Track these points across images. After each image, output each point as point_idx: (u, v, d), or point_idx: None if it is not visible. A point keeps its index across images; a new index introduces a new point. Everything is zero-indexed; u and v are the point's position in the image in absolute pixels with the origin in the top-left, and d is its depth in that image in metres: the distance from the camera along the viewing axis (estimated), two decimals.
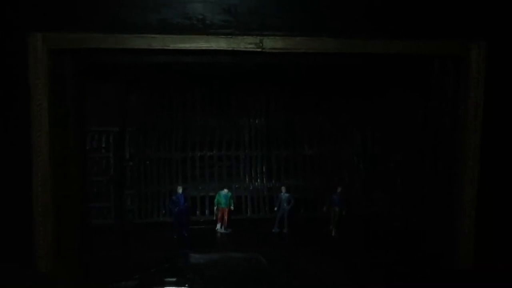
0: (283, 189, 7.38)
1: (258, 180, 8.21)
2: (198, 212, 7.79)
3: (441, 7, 5.47)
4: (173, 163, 7.87)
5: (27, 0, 5.12)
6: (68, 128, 5.79)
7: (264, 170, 8.21)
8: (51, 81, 5.31)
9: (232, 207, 7.29)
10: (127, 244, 6.62)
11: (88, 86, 6.40)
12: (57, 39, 5.21)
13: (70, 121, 5.83)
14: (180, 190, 7.06)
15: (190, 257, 6.05)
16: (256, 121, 8.15)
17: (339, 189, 7.28)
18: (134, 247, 6.54)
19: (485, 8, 5.54)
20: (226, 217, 7.24)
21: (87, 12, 5.20)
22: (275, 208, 7.35)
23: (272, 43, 5.35)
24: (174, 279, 5.36)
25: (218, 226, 7.25)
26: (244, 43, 5.34)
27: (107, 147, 7.17)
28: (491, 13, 5.56)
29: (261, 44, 5.33)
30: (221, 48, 5.35)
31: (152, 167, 7.76)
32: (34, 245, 5.32)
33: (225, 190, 7.29)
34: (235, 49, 5.36)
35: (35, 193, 5.30)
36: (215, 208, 7.29)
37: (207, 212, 7.76)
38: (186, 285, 5.26)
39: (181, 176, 7.86)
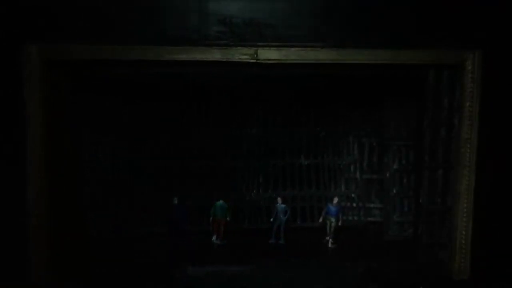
0: (279, 200, 7.36)
1: (255, 191, 8.16)
2: (194, 223, 7.72)
3: (436, 17, 5.48)
4: (170, 173, 7.83)
5: (22, 13, 5.14)
6: (64, 138, 5.79)
7: (260, 180, 8.17)
8: (46, 92, 5.34)
9: (228, 218, 7.25)
10: (123, 255, 6.57)
11: (84, 96, 6.40)
12: (52, 50, 5.24)
13: (66, 131, 5.84)
14: (176, 200, 7.03)
15: (187, 269, 6.01)
16: (253, 131, 8.10)
17: (335, 200, 7.24)
18: (130, 258, 6.48)
19: (480, 18, 5.55)
20: (222, 229, 7.20)
21: (82, 24, 5.22)
22: (271, 219, 7.30)
23: (266, 54, 5.38)
24: None
25: (214, 237, 7.21)
26: (239, 54, 5.37)
27: (106, 157, 7.18)
28: (486, 24, 5.57)
29: (255, 55, 5.36)
30: (216, 59, 5.38)
31: (149, 177, 7.73)
32: (30, 256, 5.32)
33: (221, 201, 7.25)
34: (230, 60, 5.39)
35: (30, 204, 5.29)
36: (210, 219, 7.25)
37: (203, 223, 7.70)
38: None
39: (178, 187, 7.80)
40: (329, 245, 7.10)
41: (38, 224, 5.34)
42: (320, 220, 7.29)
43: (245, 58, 5.35)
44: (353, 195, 8.13)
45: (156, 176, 7.78)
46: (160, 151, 7.80)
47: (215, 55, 5.35)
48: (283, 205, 7.30)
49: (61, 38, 5.20)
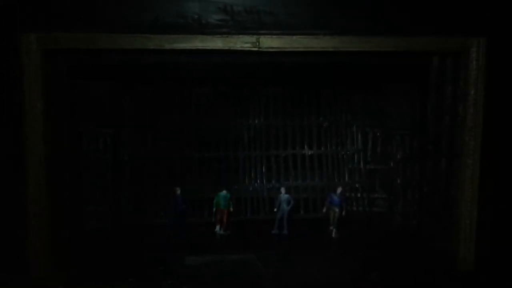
0: (283, 189, 7.27)
1: (258, 181, 8.10)
2: (196, 214, 7.68)
3: (439, 3, 5.39)
4: (171, 164, 7.75)
5: (19, 1, 5.07)
6: (63, 129, 5.78)
7: (263, 170, 8.11)
8: (45, 83, 5.27)
9: (231, 209, 7.20)
10: (123, 247, 6.52)
11: (83, 86, 6.38)
12: (51, 39, 5.17)
13: (65, 122, 5.82)
14: (178, 191, 6.98)
15: (185, 259, 5.98)
16: (256, 121, 8.03)
17: (339, 190, 7.13)
18: (130, 249, 6.43)
19: (485, 4, 5.46)
20: (225, 219, 7.15)
21: (81, 12, 5.16)
22: (275, 209, 7.24)
23: (268, 42, 5.30)
24: (169, 282, 5.29)
25: (217, 228, 7.16)
26: (241, 42, 5.29)
27: (104, 148, 7.08)
28: (491, 9, 5.48)
29: (257, 43, 5.28)
30: (217, 48, 5.31)
31: (149, 168, 7.66)
32: (27, 249, 5.29)
33: (224, 192, 7.20)
34: (231, 48, 5.31)
35: (29, 196, 5.25)
36: (214, 210, 7.21)
37: (205, 213, 7.66)
38: None
39: (180, 177, 7.72)
40: (333, 235, 7.00)
41: (38, 214, 5.31)
42: (324, 210, 7.18)
43: (247, 46, 5.28)
44: (357, 185, 8.08)
45: (157, 167, 7.69)
46: (161, 142, 7.70)
47: (216, 43, 5.27)
48: (286, 195, 7.20)
49: (59, 26, 5.13)
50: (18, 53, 5.07)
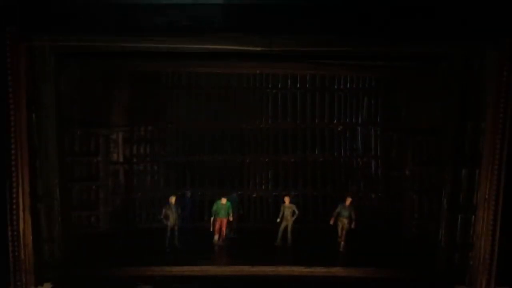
0: (287, 199, 6.93)
1: (263, 187, 7.98)
2: (205, 217, 7.56)
3: (454, 8, 5.28)
4: (179, 167, 7.75)
5: (34, 5, 5.07)
6: (75, 131, 5.98)
7: (270, 176, 7.97)
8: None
9: (231, 218, 6.88)
10: (132, 250, 6.46)
11: (95, 89, 6.51)
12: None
13: (77, 124, 6.03)
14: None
15: (195, 263, 5.93)
16: (262, 125, 7.91)
17: (348, 201, 6.73)
18: (138, 252, 6.36)
19: (500, 9, 5.28)
20: (224, 228, 6.86)
21: (93, 15, 5.17)
22: (278, 220, 6.88)
23: (280, 44, 5.32)
24: (178, 287, 5.37)
25: (216, 237, 6.87)
26: (253, 44, 5.32)
27: (115, 150, 7.21)
28: (506, 15, 5.27)
29: (269, 44, 5.29)
30: (230, 50, 5.37)
31: (158, 171, 7.70)
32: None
33: (224, 199, 6.85)
34: (243, 50, 5.36)
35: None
36: (212, 219, 6.87)
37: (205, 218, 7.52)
38: None
39: (189, 181, 7.75)
40: (341, 248, 6.64)
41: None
42: (331, 222, 6.74)
43: (259, 48, 5.31)
44: (372, 195, 7.88)
45: (164, 170, 7.71)
46: (170, 145, 7.73)
47: (229, 45, 5.32)
48: (291, 205, 6.87)
49: (73, 30, 5.14)
50: (31, 57, 5.12)
